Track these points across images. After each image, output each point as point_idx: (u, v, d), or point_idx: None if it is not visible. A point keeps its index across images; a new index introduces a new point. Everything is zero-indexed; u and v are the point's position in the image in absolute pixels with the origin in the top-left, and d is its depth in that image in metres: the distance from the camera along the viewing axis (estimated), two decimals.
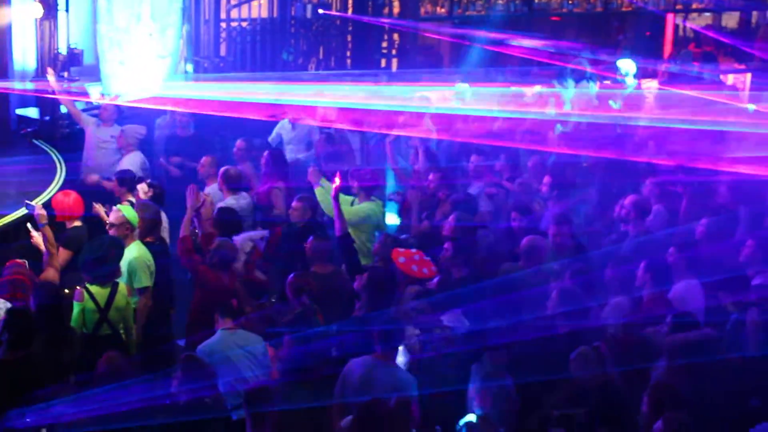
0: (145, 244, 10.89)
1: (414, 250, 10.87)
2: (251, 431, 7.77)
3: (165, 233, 11.96)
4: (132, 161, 14.05)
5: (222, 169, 13.02)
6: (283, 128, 16.19)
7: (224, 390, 8.73)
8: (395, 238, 11.60)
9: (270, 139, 15.98)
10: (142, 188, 12.21)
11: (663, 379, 8.32)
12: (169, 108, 16.09)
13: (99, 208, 11.58)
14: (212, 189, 12.88)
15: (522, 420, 9.05)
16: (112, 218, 10.76)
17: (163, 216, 11.98)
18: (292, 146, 15.82)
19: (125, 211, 10.82)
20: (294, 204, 12.08)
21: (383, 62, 23.79)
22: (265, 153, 13.98)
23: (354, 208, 12.40)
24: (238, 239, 11.13)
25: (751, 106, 18.21)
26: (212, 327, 9.49)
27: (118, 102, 15.95)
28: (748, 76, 20.19)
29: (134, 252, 10.57)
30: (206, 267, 10.55)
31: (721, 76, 20.79)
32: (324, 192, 12.32)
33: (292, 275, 10.19)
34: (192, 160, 14.35)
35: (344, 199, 12.25)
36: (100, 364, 8.42)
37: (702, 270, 10.53)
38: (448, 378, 9.21)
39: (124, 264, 10.28)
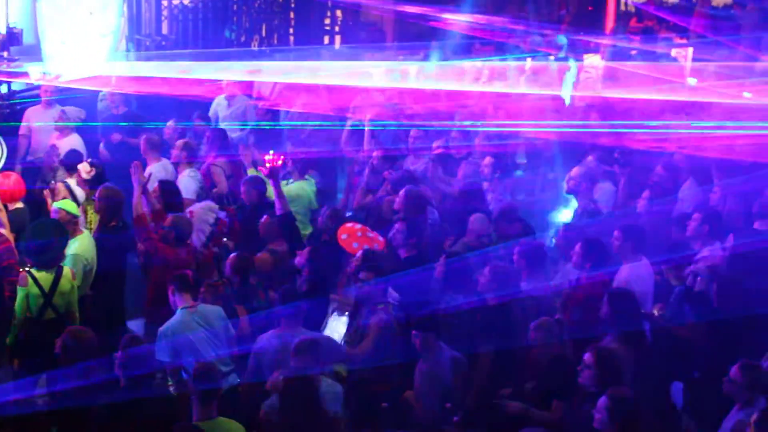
0: (110, 227, 10.87)
1: (359, 226, 10.94)
2: (198, 408, 7.73)
3: None
4: (71, 143, 13.92)
5: (181, 141, 13.08)
6: (219, 105, 16.14)
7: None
8: (338, 210, 11.66)
9: (210, 114, 15.91)
10: (83, 168, 12.11)
11: (605, 353, 8.38)
12: (107, 89, 15.98)
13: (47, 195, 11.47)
14: (154, 167, 12.84)
15: (469, 394, 9.17)
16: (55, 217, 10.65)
17: None
18: (227, 124, 15.72)
19: (65, 206, 10.72)
20: (241, 188, 12.09)
21: (326, 39, 23.67)
22: (208, 131, 13.95)
23: (287, 187, 12.46)
24: (198, 209, 11.11)
25: (692, 80, 18.29)
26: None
27: (59, 82, 15.77)
28: (690, 50, 20.27)
29: (77, 248, 10.49)
30: (163, 244, 10.51)
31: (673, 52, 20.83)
32: (255, 173, 12.54)
33: (233, 255, 10.20)
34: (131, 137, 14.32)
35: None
36: (60, 342, 8.36)
37: (646, 247, 10.63)
38: (387, 351, 9.33)
39: (68, 255, 10.24)
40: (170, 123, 14.28)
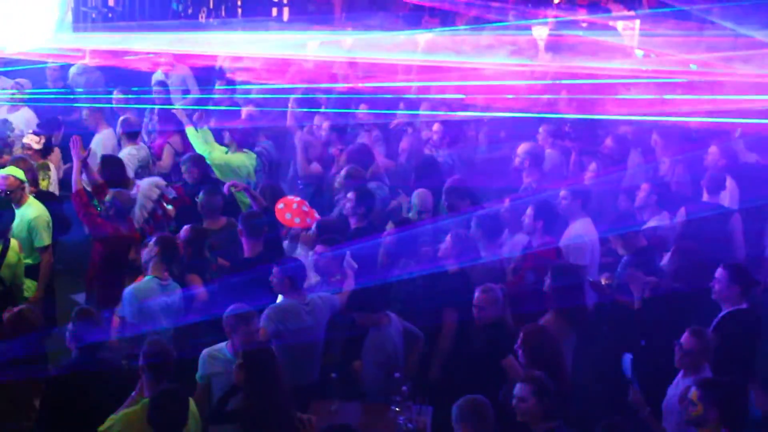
0: None
1: (298, 199, 10.98)
2: (148, 383, 7.70)
3: (54, 187, 11.85)
4: (22, 117, 13.81)
5: (121, 118, 12.95)
6: (157, 78, 16.06)
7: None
8: (274, 185, 11.63)
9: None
10: (32, 139, 12.03)
11: (533, 335, 8.44)
12: (50, 62, 15.84)
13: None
14: (97, 140, 12.77)
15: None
16: (4, 186, 10.57)
17: (52, 168, 11.89)
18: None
19: (13, 172, 10.67)
20: (181, 167, 12.08)
21: (274, 11, 23.55)
22: (156, 109, 13.87)
23: (228, 156, 12.53)
24: (144, 185, 11.06)
25: (639, 52, 18.34)
26: (113, 279, 9.41)
27: (4, 54, 15.63)
28: (637, 22, 20.36)
29: (34, 211, 10.48)
30: (103, 219, 10.43)
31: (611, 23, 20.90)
32: (193, 132, 12.69)
33: (186, 227, 10.18)
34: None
35: (219, 147, 12.41)
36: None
37: (594, 216, 10.74)
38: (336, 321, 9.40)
39: (23, 223, 10.25)
40: (116, 93, 14.19)
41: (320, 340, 9.20)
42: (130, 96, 14.35)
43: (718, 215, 11.22)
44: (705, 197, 11.64)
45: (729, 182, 11.81)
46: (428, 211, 11.17)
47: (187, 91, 15.94)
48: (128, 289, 9.21)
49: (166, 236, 9.68)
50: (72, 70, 16.42)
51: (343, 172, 11.90)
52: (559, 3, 23.75)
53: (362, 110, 14.19)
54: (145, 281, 9.28)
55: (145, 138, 13.51)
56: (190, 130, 12.80)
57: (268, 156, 13.27)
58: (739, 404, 7.11)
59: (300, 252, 10.54)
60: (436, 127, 13.32)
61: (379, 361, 9.12)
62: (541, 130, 13.53)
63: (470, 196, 11.54)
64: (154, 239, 9.45)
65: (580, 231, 10.63)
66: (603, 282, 9.88)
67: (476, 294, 9.00)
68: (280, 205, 10.78)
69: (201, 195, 10.96)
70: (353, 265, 9.85)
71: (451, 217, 10.86)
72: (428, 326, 9.62)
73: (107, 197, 10.51)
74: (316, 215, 10.93)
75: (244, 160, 12.82)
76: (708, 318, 9.14)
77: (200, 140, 12.76)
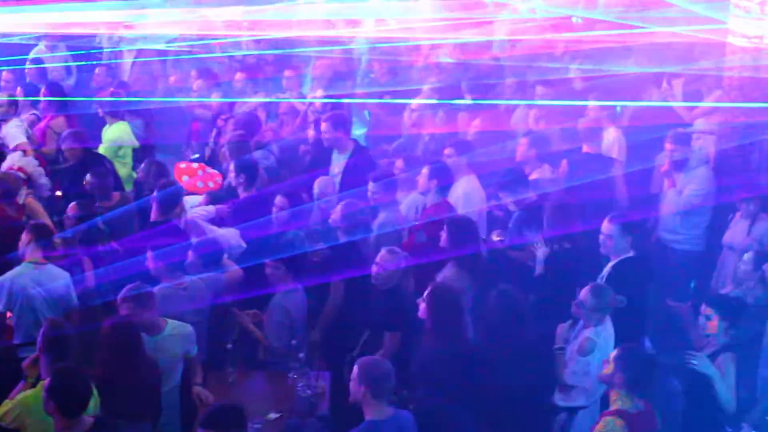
0: None
1: (196, 166, 10.90)
2: (46, 364, 7.57)
3: None
4: None
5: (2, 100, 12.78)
6: (40, 52, 15.73)
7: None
8: (159, 163, 11.43)
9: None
10: None
11: (439, 288, 8.51)
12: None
13: None
14: None
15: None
16: None
17: None
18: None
19: None
20: (62, 145, 11.88)
21: None
22: (43, 87, 13.60)
23: (108, 131, 12.47)
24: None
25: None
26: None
27: None
28: None
29: None
30: None
31: None
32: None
33: (73, 203, 10.01)
34: None
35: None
36: None
37: (480, 171, 10.84)
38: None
39: None
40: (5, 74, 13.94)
41: (203, 320, 9.09)
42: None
43: (599, 164, 11.42)
44: (585, 148, 11.83)
45: (614, 132, 11.99)
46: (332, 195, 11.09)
47: (70, 69, 15.62)
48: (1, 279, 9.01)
49: (38, 223, 9.47)
50: None
51: (226, 142, 11.82)
52: None
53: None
54: (20, 268, 9.05)
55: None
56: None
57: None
58: (647, 376, 7.27)
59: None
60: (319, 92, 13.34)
61: (280, 329, 9.11)
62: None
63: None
64: (26, 228, 9.27)
65: (466, 188, 10.76)
66: (495, 239, 9.99)
67: (380, 252, 9.06)
68: (184, 178, 10.74)
69: (89, 177, 10.77)
70: (242, 244, 9.86)
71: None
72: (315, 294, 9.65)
73: None
74: (218, 178, 10.87)
75: (123, 128, 12.62)
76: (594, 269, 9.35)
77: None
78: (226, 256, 9.59)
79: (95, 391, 7.22)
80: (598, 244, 9.37)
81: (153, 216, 9.99)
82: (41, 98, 13.19)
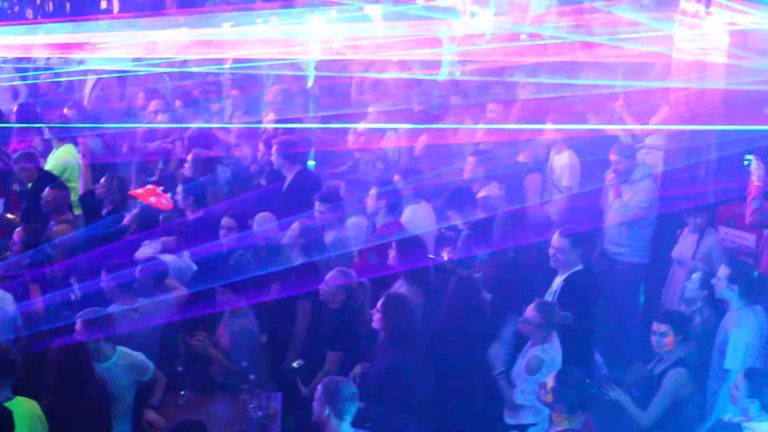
0: None
1: (151, 187, 10.94)
2: None
3: None
4: None
5: None
6: None
7: None
8: (120, 178, 11.46)
9: None
10: None
11: (393, 298, 8.57)
12: None
13: None
14: None
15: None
16: None
17: None
18: None
19: None
20: (14, 167, 11.86)
21: (104, 4, 23.03)
22: (15, 108, 13.53)
23: (54, 155, 12.43)
24: None
25: (484, 38, 18.07)
26: None
27: None
28: None
29: None
30: None
31: None
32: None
33: (19, 229, 9.93)
34: None
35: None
36: None
37: (428, 191, 10.88)
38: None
39: None
40: None
41: (156, 342, 9.09)
42: None
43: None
44: (521, 158, 11.92)
45: (567, 159, 12.08)
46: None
47: (17, 94, 15.53)
48: None
49: None
50: None
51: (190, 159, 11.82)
52: None
53: None
54: None
55: None
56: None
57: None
58: (587, 400, 7.32)
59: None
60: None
61: (233, 351, 9.10)
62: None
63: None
64: None
65: (416, 213, 10.81)
66: (444, 257, 10.02)
67: (329, 273, 9.09)
68: (151, 198, 10.78)
69: (47, 192, 10.78)
70: (192, 267, 9.86)
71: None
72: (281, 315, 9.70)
73: None
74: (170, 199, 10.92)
75: (70, 150, 12.57)
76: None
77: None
78: (171, 277, 9.57)
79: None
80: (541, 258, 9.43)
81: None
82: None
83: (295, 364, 9.06)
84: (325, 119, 14.17)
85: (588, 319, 9.18)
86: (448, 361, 8.46)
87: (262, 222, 10.44)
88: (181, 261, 9.97)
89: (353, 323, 8.80)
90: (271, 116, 13.77)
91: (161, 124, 13.52)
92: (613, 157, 11.20)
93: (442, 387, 8.40)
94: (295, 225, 10.06)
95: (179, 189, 10.88)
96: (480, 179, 11.23)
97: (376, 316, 8.34)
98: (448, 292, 8.65)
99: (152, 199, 10.84)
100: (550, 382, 7.28)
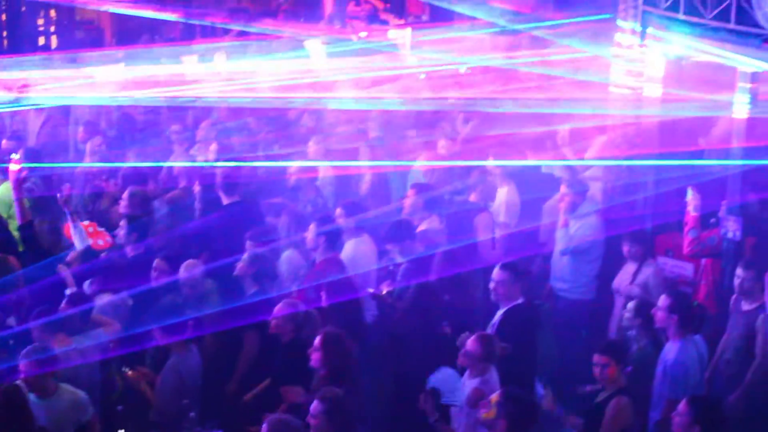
0: None
1: (87, 223, 10.84)
2: None
3: None
4: None
5: None
6: None
7: None
8: (50, 221, 11.31)
9: None
10: None
11: (331, 336, 8.49)
12: None
13: None
14: None
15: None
16: None
17: None
18: None
19: None
20: None
21: (41, 40, 22.90)
22: None
23: None
24: None
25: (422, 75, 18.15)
26: None
27: None
28: (408, 31, 20.36)
29: None
30: None
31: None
32: None
33: None
34: None
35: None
36: None
37: (369, 226, 10.87)
38: None
39: None
40: None
41: (96, 380, 9.00)
42: None
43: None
44: (472, 197, 11.94)
45: (504, 195, 12.12)
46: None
47: None
48: None
49: None
50: None
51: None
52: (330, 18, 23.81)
53: None
54: None
55: None
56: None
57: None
58: (530, 421, 7.33)
59: None
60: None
61: (174, 384, 9.04)
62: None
63: None
64: None
65: (357, 248, 10.76)
66: (384, 292, 10.00)
67: (277, 306, 9.04)
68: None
69: None
70: (128, 302, 9.84)
71: None
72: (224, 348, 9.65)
73: None
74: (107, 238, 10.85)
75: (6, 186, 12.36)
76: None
77: None
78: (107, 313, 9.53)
79: None
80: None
81: None
82: None
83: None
84: (264, 153, 14.12)
85: (528, 351, 9.22)
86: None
87: (189, 269, 10.23)
88: (116, 297, 9.88)
89: (304, 356, 8.70)
90: (212, 149, 13.67)
91: (97, 162, 13.39)
92: (563, 189, 11.26)
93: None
94: (245, 255, 10.02)
95: (122, 224, 10.84)
96: (420, 212, 11.22)
97: (315, 354, 8.29)
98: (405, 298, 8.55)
99: (89, 238, 10.74)
100: (494, 398, 7.31)
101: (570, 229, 11.15)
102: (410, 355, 9.30)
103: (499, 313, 9.33)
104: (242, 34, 19.81)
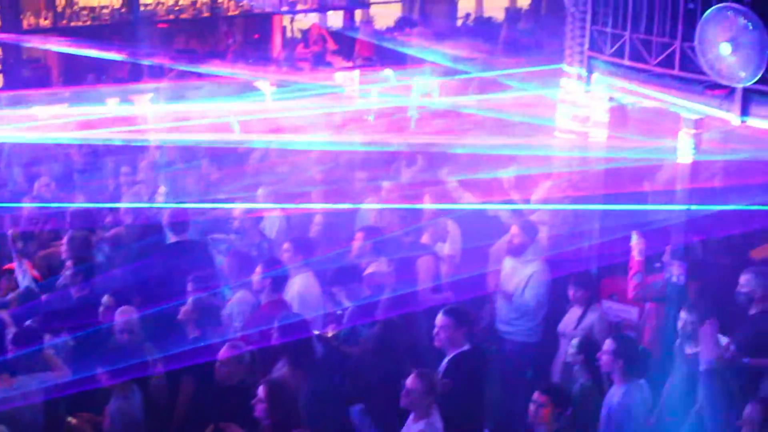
0: None
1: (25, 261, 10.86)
2: None
3: None
4: None
5: None
6: None
7: None
8: None
9: None
10: None
11: (276, 386, 8.44)
12: None
13: None
14: None
15: None
16: None
17: None
18: None
19: None
20: None
21: None
22: None
23: None
24: None
25: (371, 117, 18.21)
26: None
27: None
28: (356, 73, 20.47)
29: None
30: None
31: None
32: None
33: None
34: None
35: None
36: None
37: (318, 268, 10.83)
38: None
39: None
40: None
41: (39, 422, 8.86)
42: None
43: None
44: (425, 239, 11.91)
45: (451, 226, 12.12)
46: None
47: None
48: None
49: None
50: None
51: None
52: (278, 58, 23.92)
53: None
54: None
55: None
56: None
57: None
58: None
59: None
60: None
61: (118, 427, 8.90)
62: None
63: None
64: None
65: (302, 286, 10.68)
66: (329, 334, 9.95)
67: (222, 349, 8.94)
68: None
69: None
70: (69, 342, 9.77)
71: None
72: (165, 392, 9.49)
73: None
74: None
75: None
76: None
77: None
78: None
79: None
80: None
81: None
82: None
83: None
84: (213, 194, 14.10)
85: (474, 399, 9.19)
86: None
87: (122, 315, 10.03)
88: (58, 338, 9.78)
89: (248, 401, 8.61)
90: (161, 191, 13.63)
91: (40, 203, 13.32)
92: (514, 230, 11.28)
93: None
94: (189, 300, 9.92)
95: (68, 265, 10.78)
96: (368, 254, 11.19)
97: (260, 406, 8.20)
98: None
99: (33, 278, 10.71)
100: None
101: (517, 274, 11.15)
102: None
103: (445, 360, 9.27)
104: (189, 75, 19.82)
